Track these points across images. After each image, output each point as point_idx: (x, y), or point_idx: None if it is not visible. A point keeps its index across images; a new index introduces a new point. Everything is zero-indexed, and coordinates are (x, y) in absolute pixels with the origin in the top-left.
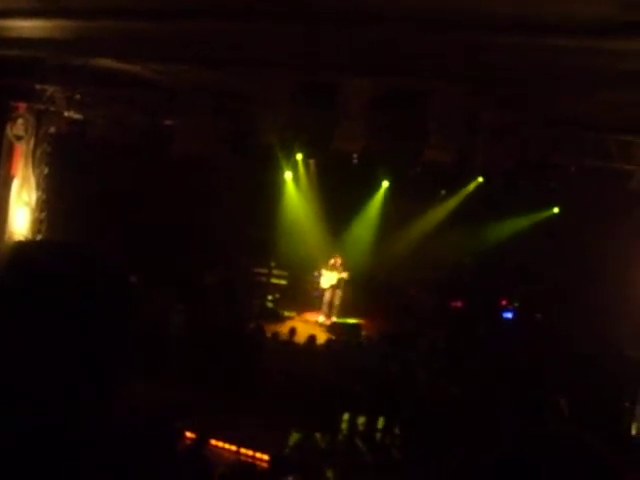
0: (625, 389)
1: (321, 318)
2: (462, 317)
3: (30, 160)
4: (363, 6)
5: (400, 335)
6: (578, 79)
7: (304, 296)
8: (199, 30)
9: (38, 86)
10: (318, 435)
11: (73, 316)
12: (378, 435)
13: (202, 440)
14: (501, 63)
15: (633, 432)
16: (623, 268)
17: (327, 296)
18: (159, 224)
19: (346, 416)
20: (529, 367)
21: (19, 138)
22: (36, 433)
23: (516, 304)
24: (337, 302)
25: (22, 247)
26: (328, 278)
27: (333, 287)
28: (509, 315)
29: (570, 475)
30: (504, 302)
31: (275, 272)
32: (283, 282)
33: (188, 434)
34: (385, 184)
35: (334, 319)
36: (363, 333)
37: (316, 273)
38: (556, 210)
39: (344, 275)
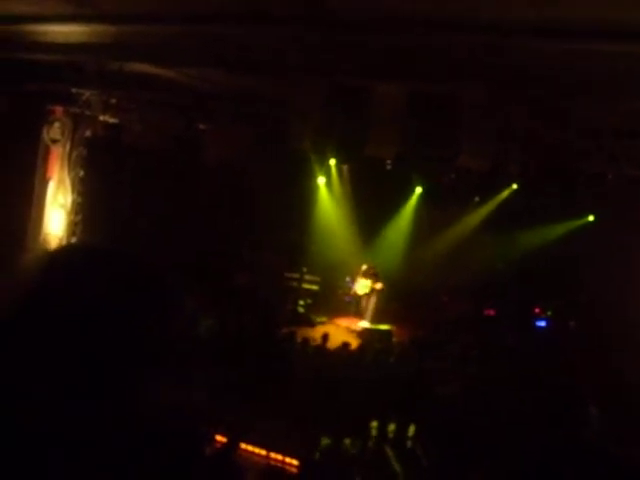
0: None
1: (353, 324)
2: (494, 325)
3: (66, 163)
4: (394, 11)
5: (431, 342)
6: (613, 85)
7: (336, 301)
8: (233, 35)
9: (74, 90)
10: (348, 441)
11: (110, 319)
12: (408, 443)
13: (232, 444)
14: (534, 68)
15: None
16: None
17: (362, 303)
18: (192, 228)
19: (376, 423)
20: (561, 377)
21: (55, 141)
22: (64, 429)
23: (549, 313)
24: (370, 309)
25: (61, 251)
26: (363, 285)
27: (367, 295)
28: (542, 324)
29: None
30: (537, 310)
31: (307, 277)
32: (315, 287)
33: (219, 438)
34: (418, 190)
35: (366, 325)
36: (394, 339)
37: (348, 279)
38: (591, 218)
39: (378, 286)
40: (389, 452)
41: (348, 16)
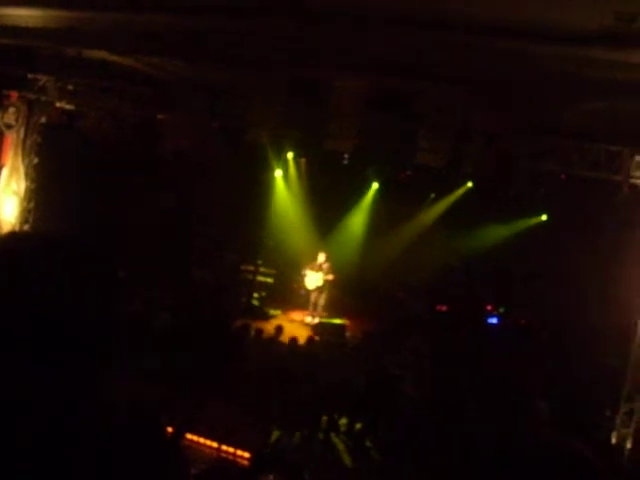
0: (606, 398)
1: (307, 318)
2: (447, 321)
3: (20, 149)
4: (357, 7)
5: (385, 337)
6: (569, 88)
7: (290, 295)
8: (194, 26)
9: (30, 75)
10: (299, 434)
11: (57, 307)
12: (359, 436)
13: (177, 434)
14: (493, 69)
15: (613, 441)
16: (608, 278)
17: (312, 297)
18: (146, 219)
19: (327, 416)
20: (510, 372)
21: (9, 127)
22: (20, 422)
23: (501, 310)
24: (322, 303)
25: (7, 239)
26: (313, 279)
27: (319, 288)
28: (494, 320)
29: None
30: (489, 307)
31: (262, 270)
32: (270, 280)
33: (169, 429)
34: (375, 185)
35: (319, 319)
36: (348, 334)
37: (303, 272)
38: (544, 217)
39: (329, 277)
40: (339, 445)
41: (317, 8)
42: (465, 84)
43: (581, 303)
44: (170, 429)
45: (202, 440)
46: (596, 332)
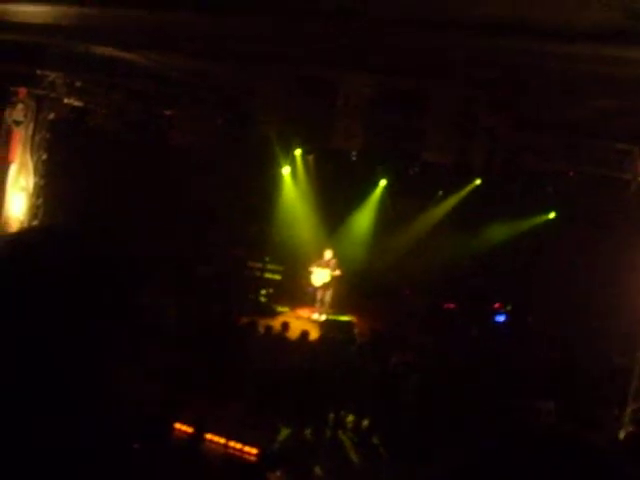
0: (613, 396)
1: (314, 315)
2: (454, 319)
3: (28, 146)
4: (364, 6)
5: (392, 335)
6: (578, 85)
7: (298, 292)
8: (201, 22)
9: (39, 72)
10: (307, 431)
11: (70, 300)
12: (366, 433)
13: (199, 435)
14: (500, 67)
15: (621, 438)
16: (615, 276)
17: (319, 293)
18: (154, 215)
19: (335, 413)
20: (517, 370)
21: (18, 123)
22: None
23: (509, 307)
24: (328, 300)
25: (21, 232)
26: (320, 276)
27: (325, 285)
28: (501, 318)
29: (566, 472)
30: (497, 305)
31: (269, 267)
32: (277, 277)
33: (183, 428)
34: (383, 183)
35: (326, 316)
36: (355, 331)
37: (310, 269)
38: (552, 215)
39: (336, 273)
40: (346, 442)
41: (330, 9)
42: (473, 82)
43: (589, 302)
44: (190, 429)
45: (209, 437)
46: (604, 331)
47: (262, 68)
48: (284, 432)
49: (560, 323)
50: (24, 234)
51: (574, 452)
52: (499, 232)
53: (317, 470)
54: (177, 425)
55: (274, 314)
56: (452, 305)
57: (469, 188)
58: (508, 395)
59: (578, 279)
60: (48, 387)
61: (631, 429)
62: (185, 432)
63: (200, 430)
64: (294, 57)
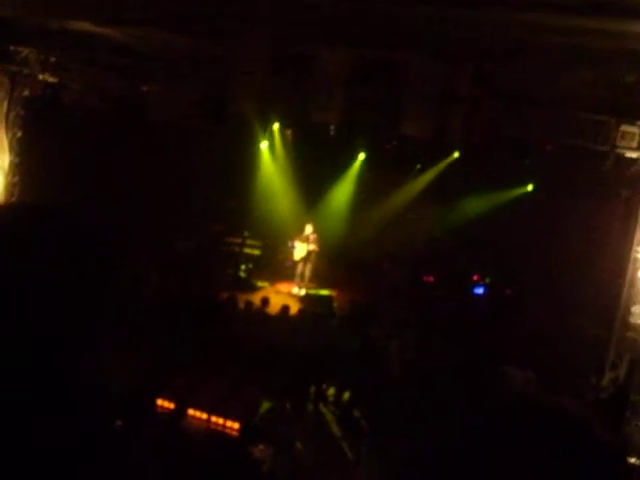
0: (590, 366)
1: (294, 289)
2: (433, 292)
3: (3, 123)
4: None
5: (371, 308)
6: (554, 57)
7: (277, 266)
8: None
9: (12, 47)
10: (288, 405)
11: (49, 275)
12: (347, 406)
13: (180, 410)
14: (477, 38)
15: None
16: (592, 249)
17: (299, 268)
18: (132, 190)
19: (316, 387)
20: (496, 342)
21: None
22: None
23: (487, 280)
24: (308, 274)
25: None
26: (300, 250)
27: (304, 259)
28: (480, 291)
29: (553, 439)
30: (475, 278)
31: (249, 242)
32: (256, 252)
33: (165, 403)
34: (361, 156)
35: (306, 290)
36: (335, 305)
37: (290, 244)
38: (530, 187)
39: (313, 247)
40: (328, 415)
41: None
42: (449, 54)
43: (566, 272)
44: (172, 405)
45: (191, 412)
46: (580, 303)
47: (239, 43)
48: (265, 406)
49: (538, 295)
50: (1, 212)
51: (556, 424)
52: (477, 205)
53: (299, 444)
54: (159, 401)
55: (254, 289)
56: (431, 278)
57: (447, 161)
58: (487, 365)
59: (556, 251)
60: (31, 359)
61: (605, 396)
62: (167, 408)
63: (182, 406)
64: (271, 32)
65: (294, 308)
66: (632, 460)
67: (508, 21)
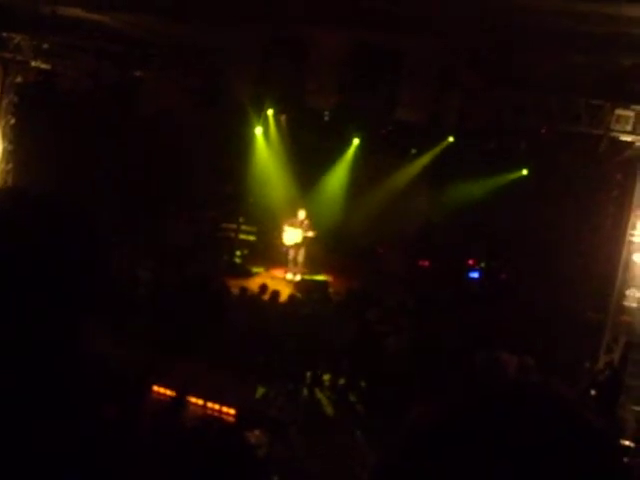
0: (585, 350)
1: (288, 275)
2: (429, 276)
3: None
4: None
5: (367, 293)
6: (550, 41)
7: (272, 252)
8: None
9: (4, 34)
10: (284, 390)
11: (39, 262)
12: (342, 391)
13: (181, 398)
14: (473, 23)
15: (592, 392)
16: (586, 232)
17: (291, 253)
18: (126, 178)
19: (312, 372)
20: (490, 326)
21: None
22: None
23: (482, 264)
24: (301, 259)
25: None
26: (292, 235)
27: (297, 244)
28: (475, 275)
29: (541, 424)
30: (471, 262)
31: (244, 228)
32: (252, 238)
33: (161, 390)
34: (356, 141)
35: (302, 276)
36: (330, 290)
37: (283, 227)
38: (525, 172)
39: (309, 234)
40: (323, 400)
41: None
42: (445, 38)
43: (561, 256)
44: (171, 392)
45: (188, 398)
46: (576, 287)
47: (234, 28)
48: (261, 392)
49: (533, 279)
50: None
51: (545, 408)
52: (472, 189)
53: (294, 429)
54: (157, 388)
55: (249, 275)
56: (426, 262)
57: (442, 146)
58: (481, 350)
59: (551, 235)
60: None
61: (600, 380)
62: (164, 394)
63: (183, 394)
64: (266, 16)
65: (288, 294)
66: (626, 443)
67: (505, 6)
